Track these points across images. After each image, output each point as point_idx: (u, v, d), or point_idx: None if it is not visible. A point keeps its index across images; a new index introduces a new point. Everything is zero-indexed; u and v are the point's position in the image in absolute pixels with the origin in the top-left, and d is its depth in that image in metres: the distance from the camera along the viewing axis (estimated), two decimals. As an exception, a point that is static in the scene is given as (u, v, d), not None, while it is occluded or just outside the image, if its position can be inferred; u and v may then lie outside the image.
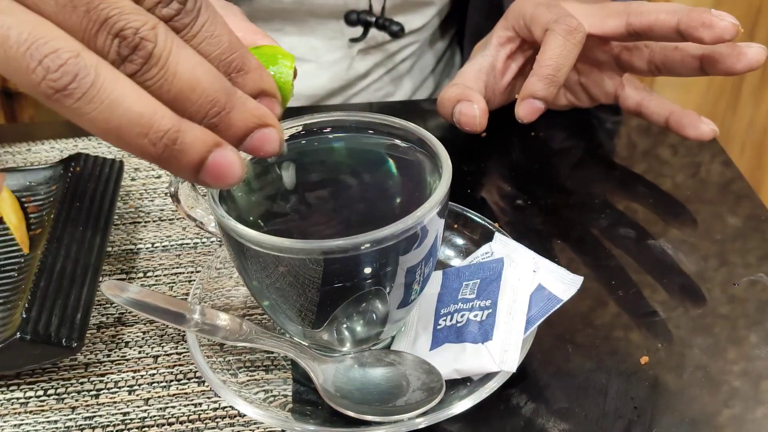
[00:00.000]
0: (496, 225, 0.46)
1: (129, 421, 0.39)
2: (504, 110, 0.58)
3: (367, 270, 0.34)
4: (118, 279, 0.47)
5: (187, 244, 0.49)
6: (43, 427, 0.38)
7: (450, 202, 0.44)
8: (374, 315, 0.38)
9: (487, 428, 0.38)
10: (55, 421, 0.39)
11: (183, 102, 0.27)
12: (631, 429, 0.38)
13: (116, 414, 0.39)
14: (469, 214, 0.47)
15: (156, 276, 0.47)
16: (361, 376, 0.39)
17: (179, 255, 0.49)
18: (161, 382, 0.41)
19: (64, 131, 0.59)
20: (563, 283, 0.40)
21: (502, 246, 0.43)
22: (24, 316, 0.38)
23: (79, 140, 0.58)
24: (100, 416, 0.39)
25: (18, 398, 0.40)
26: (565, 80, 0.56)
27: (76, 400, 0.40)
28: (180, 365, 0.42)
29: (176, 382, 0.41)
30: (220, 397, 0.39)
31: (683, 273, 0.47)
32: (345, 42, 0.69)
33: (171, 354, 0.42)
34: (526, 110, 0.51)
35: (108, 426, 0.38)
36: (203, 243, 0.49)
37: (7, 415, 0.39)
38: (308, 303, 0.36)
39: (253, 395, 0.38)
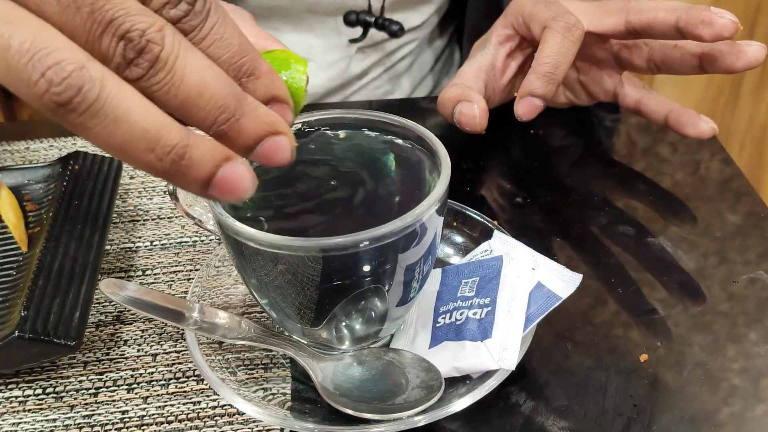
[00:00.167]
0: (496, 223, 0.46)
1: (128, 420, 0.39)
2: (503, 108, 0.58)
3: (366, 268, 0.34)
4: (116, 277, 0.47)
5: (185, 242, 0.49)
6: (42, 426, 0.38)
7: (449, 200, 0.44)
8: (373, 313, 0.38)
9: (487, 426, 0.38)
10: (54, 420, 0.39)
11: (190, 108, 0.26)
12: (630, 427, 0.38)
13: (115, 412, 0.39)
14: (468, 212, 0.47)
15: (155, 274, 0.47)
16: (360, 374, 0.39)
17: (178, 253, 0.48)
18: (160, 380, 0.41)
19: (63, 129, 0.59)
20: (562, 281, 0.40)
21: (502, 244, 0.43)
22: (23, 314, 0.38)
23: (78, 138, 0.58)
24: (99, 415, 0.39)
25: (17, 397, 0.40)
26: (564, 78, 0.56)
27: (75, 399, 0.40)
28: (179, 363, 0.42)
29: (175, 381, 0.41)
30: (219, 395, 0.39)
31: (683, 271, 0.47)
32: (343, 41, 0.69)
33: (170, 352, 0.42)
34: (525, 108, 0.51)
35: (107, 424, 0.38)
36: (202, 241, 0.49)
37: (5, 413, 0.39)
38: (307, 301, 0.36)
39: (252, 393, 0.38)
